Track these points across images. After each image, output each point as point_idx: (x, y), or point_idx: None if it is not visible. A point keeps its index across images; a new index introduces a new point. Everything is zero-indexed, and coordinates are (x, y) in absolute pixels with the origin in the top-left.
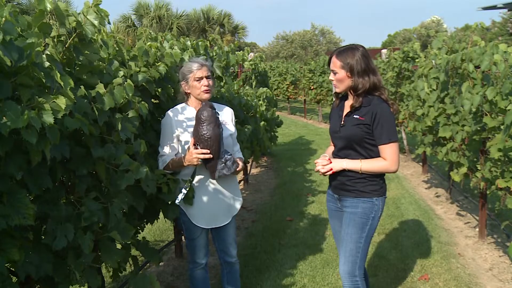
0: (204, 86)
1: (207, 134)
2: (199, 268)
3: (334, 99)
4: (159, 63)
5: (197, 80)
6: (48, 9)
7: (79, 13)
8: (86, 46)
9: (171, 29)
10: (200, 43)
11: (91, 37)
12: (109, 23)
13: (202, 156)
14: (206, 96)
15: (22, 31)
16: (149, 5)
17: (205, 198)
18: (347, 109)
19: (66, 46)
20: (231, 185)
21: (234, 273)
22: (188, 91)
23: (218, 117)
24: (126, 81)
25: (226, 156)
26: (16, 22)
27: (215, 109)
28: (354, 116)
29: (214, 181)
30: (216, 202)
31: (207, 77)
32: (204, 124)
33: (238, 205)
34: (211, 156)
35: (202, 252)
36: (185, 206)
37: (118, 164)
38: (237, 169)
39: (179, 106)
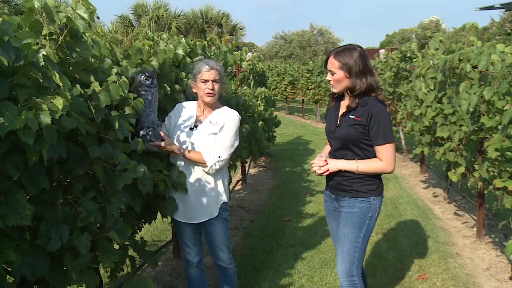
0: (208, 89)
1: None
2: (192, 266)
3: (329, 100)
4: (151, 59)
5: (203, 82)
6: (36, 6)
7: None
8: (78, 43)
9: (169, 29)
10: (198, 43)
11: (83, 31)
12: (98, 18)
13: None
14: (208, 99)
15: (14, 32)
16: (147, 5)
17: (182, 192)
18: (343, 109)
19: (58, 43)
20: (212, 182)
21: (228, 276)
22: (195, 91)
23: (146, 84)
24: (121, 78)
25: (143, 131)
26: None
27: (147, 75)
28: (350, 116)
29: (193, 176)
30: (192, 197)
31: (213, 81)
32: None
33: (221, 199)
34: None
35: (192, 250)
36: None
37: (116, 164)
38: (157, 146)
39: (187, 103)
